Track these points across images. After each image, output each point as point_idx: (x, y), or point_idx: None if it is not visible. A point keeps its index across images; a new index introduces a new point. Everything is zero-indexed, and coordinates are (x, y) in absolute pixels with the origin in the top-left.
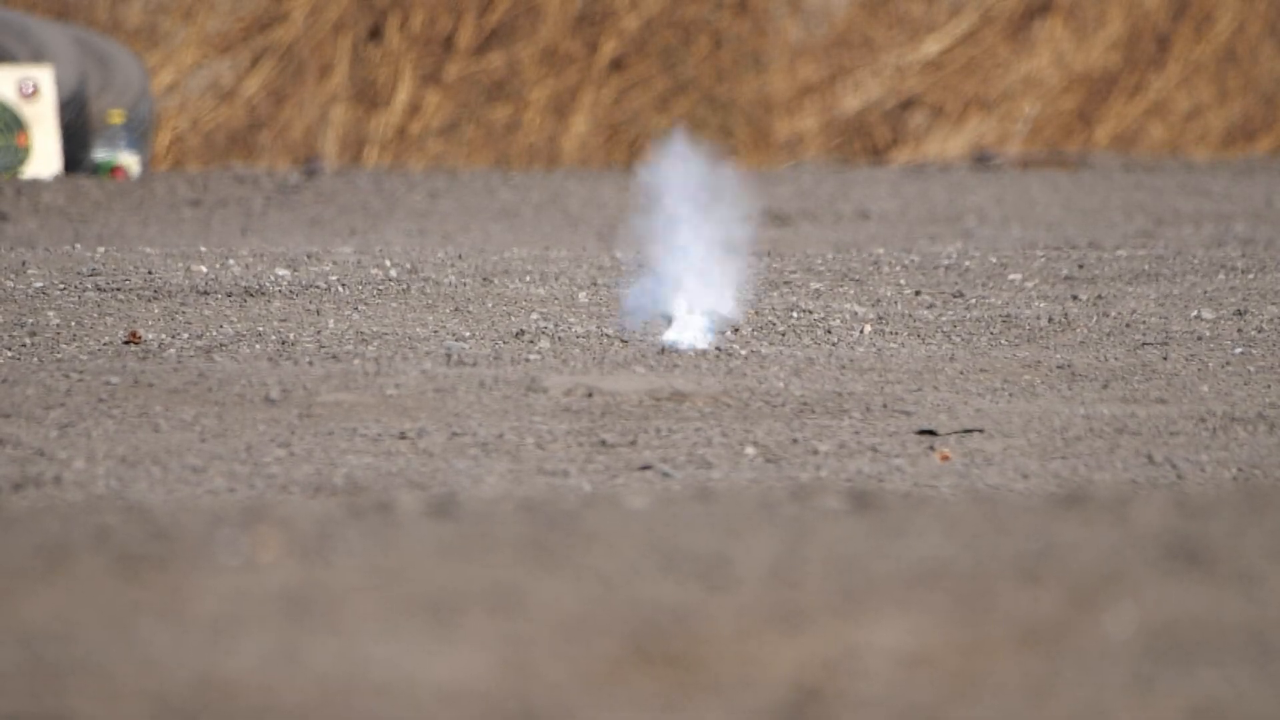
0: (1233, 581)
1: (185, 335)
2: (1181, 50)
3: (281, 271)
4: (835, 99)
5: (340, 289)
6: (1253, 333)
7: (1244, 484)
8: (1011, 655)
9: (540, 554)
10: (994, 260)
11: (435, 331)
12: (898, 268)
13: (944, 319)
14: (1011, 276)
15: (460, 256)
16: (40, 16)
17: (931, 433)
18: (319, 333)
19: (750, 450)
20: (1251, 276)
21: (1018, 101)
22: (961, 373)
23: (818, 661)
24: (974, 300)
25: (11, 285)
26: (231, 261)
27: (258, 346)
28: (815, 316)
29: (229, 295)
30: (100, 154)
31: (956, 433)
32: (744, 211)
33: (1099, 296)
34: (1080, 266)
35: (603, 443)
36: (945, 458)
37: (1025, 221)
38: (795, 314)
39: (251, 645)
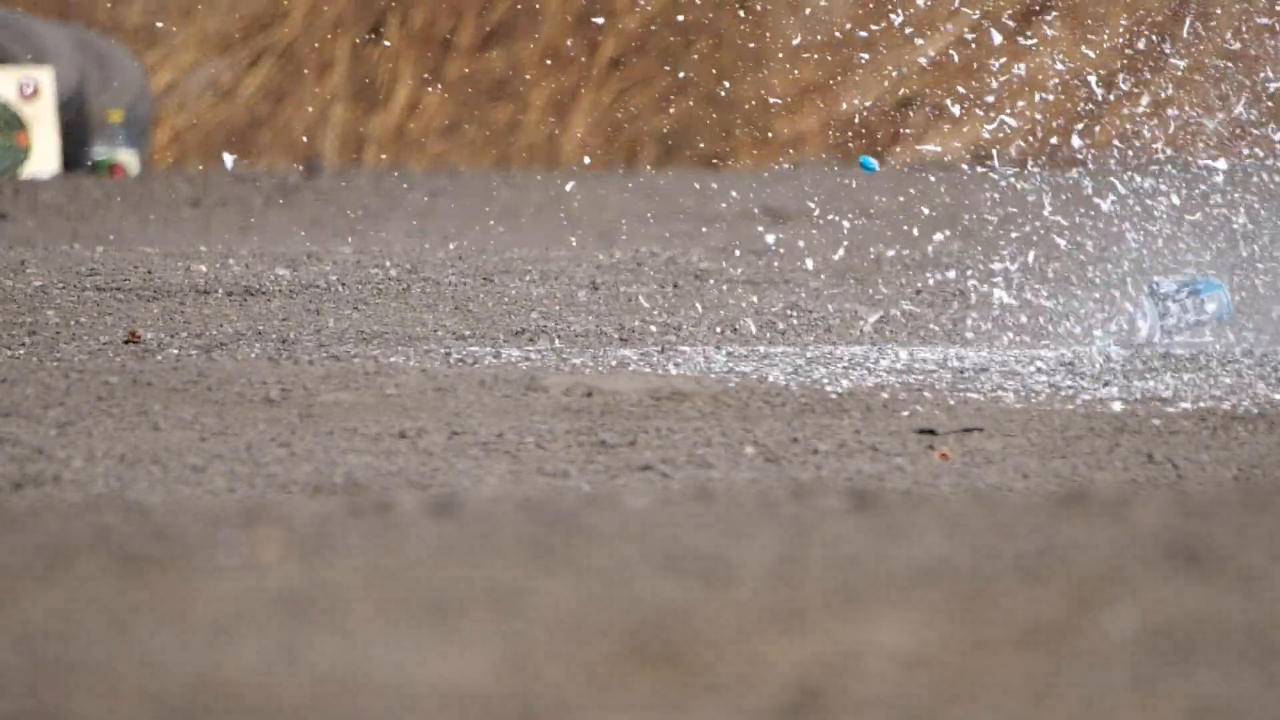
0: (1233, 581)
1: (185, 335)
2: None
3: (281, 271)
4: (835, 99)
5: (340, 289)
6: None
7: (1244, 483)
8: (1011, 655)
9: (540, 554)
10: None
11: (435, 331)
12: (898, 266)
13: (944, 318)
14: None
15: (460, 256)
16: (40, 16)
17: (931, 432)
18: (319, 332)
19: (750, 450)
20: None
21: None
22: (961, 371)
23: (818, 661)
24: (975, 299)
25: (11, 284)
26: (231, 261)
27: (258, 346)
28: (815, 316)
29: (229, 295)
30: (99, 152)
31: (956, 432)
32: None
33: (1098, 296)
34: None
35: (603, 443)
36: (945, 457)
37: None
38: (794, 313)
39: (251, 645)
